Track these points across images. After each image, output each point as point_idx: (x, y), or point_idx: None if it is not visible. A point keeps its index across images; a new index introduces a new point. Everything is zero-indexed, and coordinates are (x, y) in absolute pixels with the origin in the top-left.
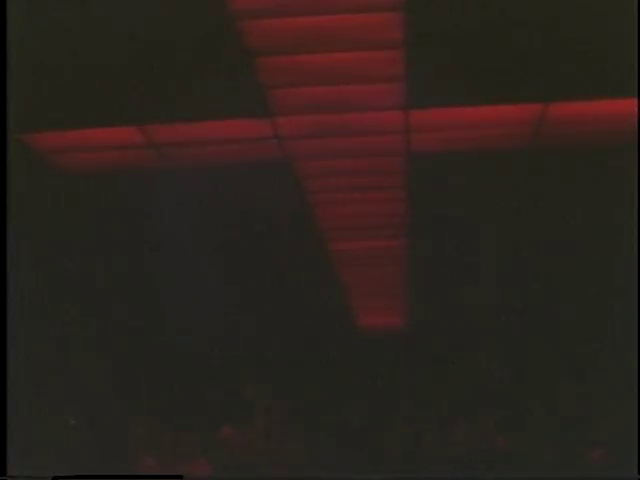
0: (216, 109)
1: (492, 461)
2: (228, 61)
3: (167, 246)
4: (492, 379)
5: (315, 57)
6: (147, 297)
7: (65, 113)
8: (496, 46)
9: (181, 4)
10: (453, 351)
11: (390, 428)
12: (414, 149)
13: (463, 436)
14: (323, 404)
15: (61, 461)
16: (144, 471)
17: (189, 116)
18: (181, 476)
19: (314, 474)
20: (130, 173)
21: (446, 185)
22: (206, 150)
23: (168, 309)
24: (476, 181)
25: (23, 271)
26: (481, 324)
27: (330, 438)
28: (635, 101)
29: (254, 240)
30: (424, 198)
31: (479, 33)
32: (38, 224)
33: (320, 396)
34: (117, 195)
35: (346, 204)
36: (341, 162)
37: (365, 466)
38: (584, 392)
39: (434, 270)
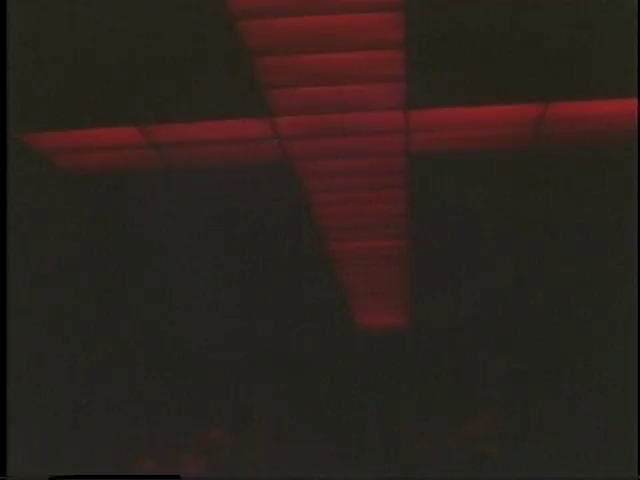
0: (216, 109)
1: (492, 461)
2: (228, 61)
3: (167, 245)
4: (492, 378)
5: (315, 57)
6: (147, 297)
7: (65, 113)
8: (496, 46)
9: (181, 4)
10: (453, 350)
11: (390, 428)
12: (414, 149)
13: (463, 436)
14: (323, 403)
15: (60, 461)
16: (141, 471)
17: (189, 116)
18: (177, 476)
19: (314, 474)
20: (130, 173)
21: (446, 185)
22: (206, 150)
23: (168, 309)
24: (476, 181)
25: (23, 271)
26: (481, 324)
27: (329, 437)
28: (635, 101)
29: (254, 240)
30: (424, 198)
31: (479, 33)
32: (38, 224)
33: (320, 395)
34: (117, 195)
35: (346, 204)
36: (341, 162)
37: (364, 466)
38: (584, 392)
39: (434, 270)
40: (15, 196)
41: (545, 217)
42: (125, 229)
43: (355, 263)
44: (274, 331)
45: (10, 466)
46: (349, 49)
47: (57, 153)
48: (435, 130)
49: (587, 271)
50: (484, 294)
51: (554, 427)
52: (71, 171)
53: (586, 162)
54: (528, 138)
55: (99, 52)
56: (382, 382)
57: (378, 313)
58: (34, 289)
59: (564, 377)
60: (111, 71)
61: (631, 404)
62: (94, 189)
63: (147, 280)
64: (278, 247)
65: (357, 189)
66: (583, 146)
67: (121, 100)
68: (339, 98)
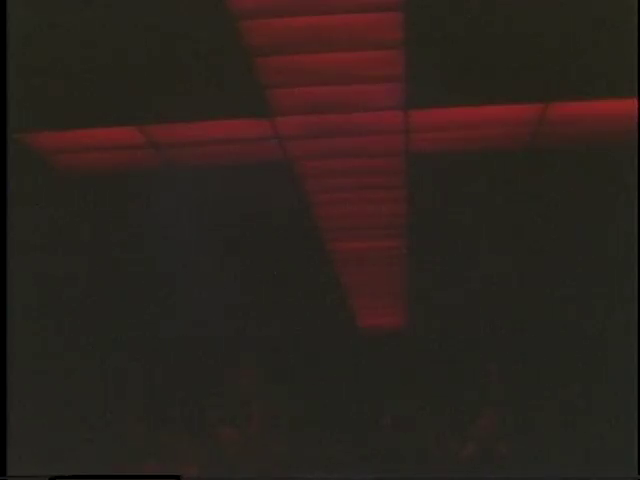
0: (216, 109)
1: (492, 461)
2: (228, 61)
3: (167, 246)
4: (492, 379)
5: (315, 57)
6: (146, 297)
7: (65, 113)
8: (496, 46)
9: (181, 4)
10: (453, 351)
11: (389, 428)
12: (414, 149)
13: (464, 436)
14: (322, 404)
15: (59, 461)
16: (141, 471)
17: (189, 116)
18: (178, 476)
19: (312, 474)
20: (130, 173)
21: (446, 185)
22: (206, 150)
23: (167, 310)
24: (476, 181)
25: (23, 271)
26: (481, 324)
27: (329, 438)
28: (635, 101)
29: (253, 240)
30: (424, 198)
31: (479, 33)
32: (38, 224)
33: (319, 396)
34: (117, 195)
35: (346, 204)
36: (341, 162)
37: (363, 466)
38: (584, 392)
39: (434, 270)
40: (15, 196)
41: (545, 217)
42: (125, 228)
43: (355, 263)
44: (273, 332)
45: (10, 466)
46: (349, 49)
47: (57, 153)
48: (435, 130)
49: (587, 271)
50: (485, 294)
51: (554, 426)
52: (71, 171)
53: (586, 162)
54: (528, 138)
55: (99, 51)
56: (382, 382)
57: (378, 313)
58: (34, 289)
59: (564, 376)
60: (111, 71)
61: (631, 404)
62: (94, 189)
63: (147, 280)
64: (278, 247)
65: (357, 189)
66: (583, 146)
67: (121, 100)
68: (339, 98)
